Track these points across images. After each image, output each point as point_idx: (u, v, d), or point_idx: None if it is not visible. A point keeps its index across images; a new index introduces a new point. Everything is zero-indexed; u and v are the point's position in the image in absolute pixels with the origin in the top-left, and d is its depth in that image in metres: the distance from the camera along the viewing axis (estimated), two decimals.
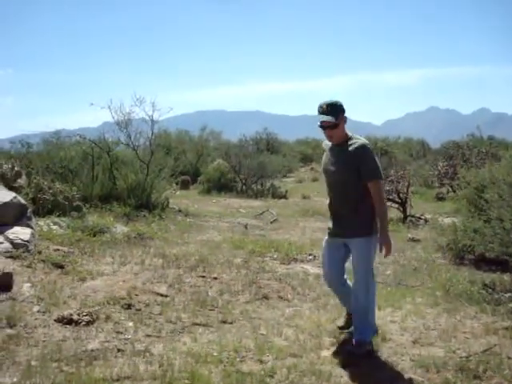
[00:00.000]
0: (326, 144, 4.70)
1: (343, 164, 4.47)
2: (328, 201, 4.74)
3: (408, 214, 14.42)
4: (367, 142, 4.48)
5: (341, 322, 5.03)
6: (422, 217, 14.01)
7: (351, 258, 4.64)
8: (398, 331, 5.07)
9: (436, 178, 22.13)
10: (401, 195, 14.87)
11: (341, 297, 4.96)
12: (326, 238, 4.79)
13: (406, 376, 4.03)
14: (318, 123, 4.47)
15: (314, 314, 5.51)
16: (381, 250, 4.42)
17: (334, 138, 4.53)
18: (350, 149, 4.42)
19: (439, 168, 21.64)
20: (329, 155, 4.64)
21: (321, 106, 4.44)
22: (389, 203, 15.11)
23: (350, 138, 4.51)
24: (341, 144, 4.51)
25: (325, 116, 4.41)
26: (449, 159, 21.55)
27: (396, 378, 4.00)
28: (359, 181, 4.40)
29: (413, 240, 10.80)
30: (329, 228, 4.74)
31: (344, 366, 4.17)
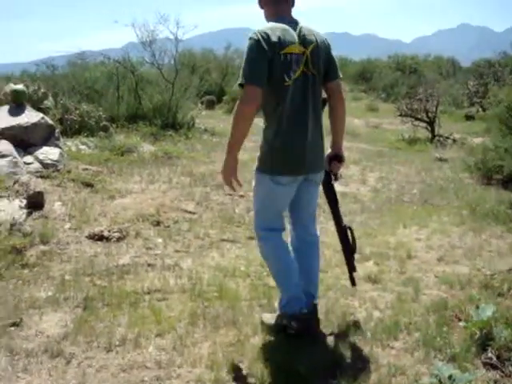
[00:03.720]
0: None
1: None
2: None
3: (436, 133, 14.23)
4: (260, 30, 3.02)
5: None
6: (450, 136, 13.82)
7: None
8: (424, 249, 5.09)
9: (466, 97, 21.67)
10: (429, 114, 14.64)
11: None
12: None
13: (430, 291, 4.07)
14: None
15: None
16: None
17: None
18: None
19: (469, 87, 21.15)
20: None
21: None
22: (416, 122, 14.92)
23: None
24: None
25: None
26: (479, 78, 21.01)
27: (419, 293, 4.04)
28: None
29: (440, 160, 10.71)
30: None
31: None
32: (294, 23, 3.13)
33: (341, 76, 3.32)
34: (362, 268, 4.40)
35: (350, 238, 3.55)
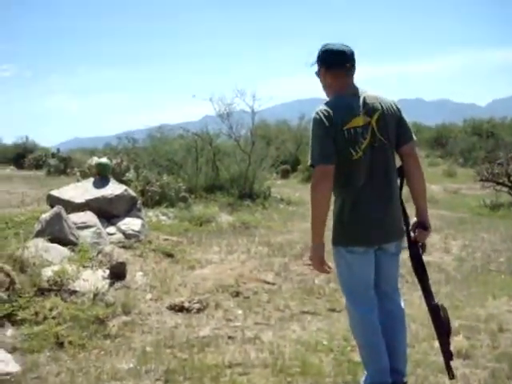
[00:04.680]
0: None
1: None
2: None
3: None
4: (321, 108, 3.05)
5: None
6: None
7: None
8: None
9: None
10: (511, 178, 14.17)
11: None
12: None
13: None
14: None
15: (424, 303, 5.33)
16: None
17: None
18: None
19: None
20: None
21: None
22: (498, 187, 14.44)
23: None
24: None
25: None
26: None
27: None
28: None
29: None
30: None
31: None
32: (356, 93, 3.10)
33: (415, 139, 3.20)
34: (452, 342, 4.15)
35: (442, 318, 3.17)
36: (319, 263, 3.08)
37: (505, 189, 14.37)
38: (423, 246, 3.25)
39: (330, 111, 3.00)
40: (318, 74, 3.21)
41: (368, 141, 3.01)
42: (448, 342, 3.21)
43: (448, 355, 3.20)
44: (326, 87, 3.21)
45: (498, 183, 14.55)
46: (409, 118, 3.23)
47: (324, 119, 2.98)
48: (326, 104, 3.08)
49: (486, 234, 9.40)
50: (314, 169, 3.00)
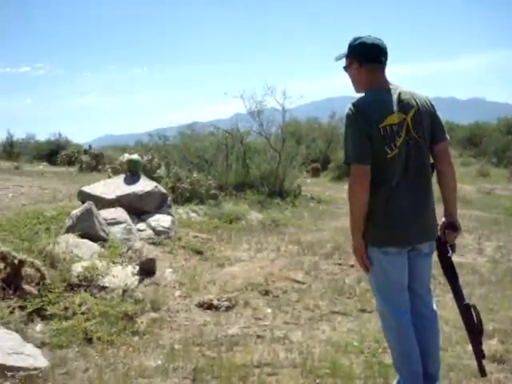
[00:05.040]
0: None
1: None
2: None
3: None
4: (355, 104, 2.96)
5: None
6: None
7: None
8: None
9: None
10: None
11: None
12: None
13: None
14: None
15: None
16: None
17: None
18: None
19: None
20: None
21: None
22: None
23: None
24: None
25: None
26: None
27: None
28: None
29: None
30: None
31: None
32: (389, 89, 3.01)
33: (448, 138, 3.11)
34: (486, 346, 3.98)
35: (474, 317, 3.06)
36: (360, 256, 3.04)
37: None
38: (453, 247, 3.14)
39: (365, 107, 2.93)
40: (348, 68, 3.12)
41: (403, 138, 2.92)
42: (480, 342, 3.08)
43: (480, 354, 3.09)
44: (356, 82, 3.12)
45: None
46: (442, 116, 3.11)
47: (358, 115, 2.91)
48: (360, 99, 2.99)
49: None
50: (349, 167, 2.92)
